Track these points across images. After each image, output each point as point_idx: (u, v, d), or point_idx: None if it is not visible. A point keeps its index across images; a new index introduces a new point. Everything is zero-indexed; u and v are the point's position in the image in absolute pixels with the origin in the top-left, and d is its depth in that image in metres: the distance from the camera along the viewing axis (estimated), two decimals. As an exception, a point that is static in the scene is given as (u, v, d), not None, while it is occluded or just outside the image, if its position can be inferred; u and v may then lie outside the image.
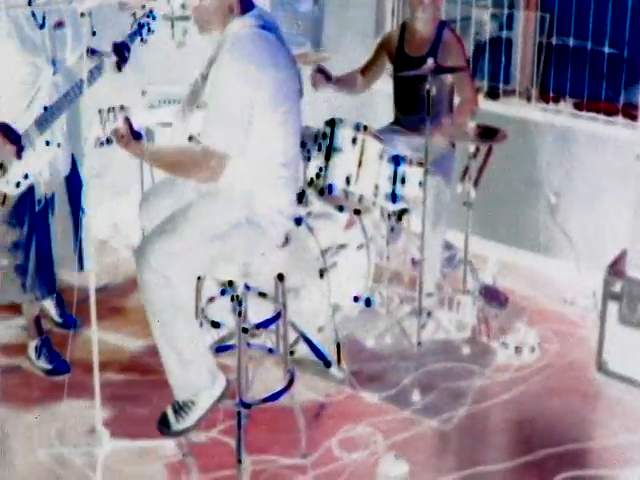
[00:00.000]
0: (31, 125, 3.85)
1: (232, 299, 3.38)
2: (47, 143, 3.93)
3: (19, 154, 3.80)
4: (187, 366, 3.33)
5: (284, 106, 3.25)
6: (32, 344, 4.23)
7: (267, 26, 3.26)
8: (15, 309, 4.39)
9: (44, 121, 3.88)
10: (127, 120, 3.24)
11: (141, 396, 3.96)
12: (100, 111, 5.20)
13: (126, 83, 4.77)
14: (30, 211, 3.99)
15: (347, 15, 5.81)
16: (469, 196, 4.38)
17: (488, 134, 4.28)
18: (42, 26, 3.92)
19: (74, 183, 4.29)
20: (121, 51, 4.03)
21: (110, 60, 4.02)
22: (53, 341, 4.26)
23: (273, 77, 3.19)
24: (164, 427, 3.41)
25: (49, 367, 4.17)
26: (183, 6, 5.69)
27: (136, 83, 5.28)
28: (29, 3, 3.89)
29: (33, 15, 3.88)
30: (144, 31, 4.16)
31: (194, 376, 3.35)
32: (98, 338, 3.40)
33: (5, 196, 3.90)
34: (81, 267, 4.09)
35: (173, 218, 3.32)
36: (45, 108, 3.88)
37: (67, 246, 4.26)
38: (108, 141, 3.29)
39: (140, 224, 3.70)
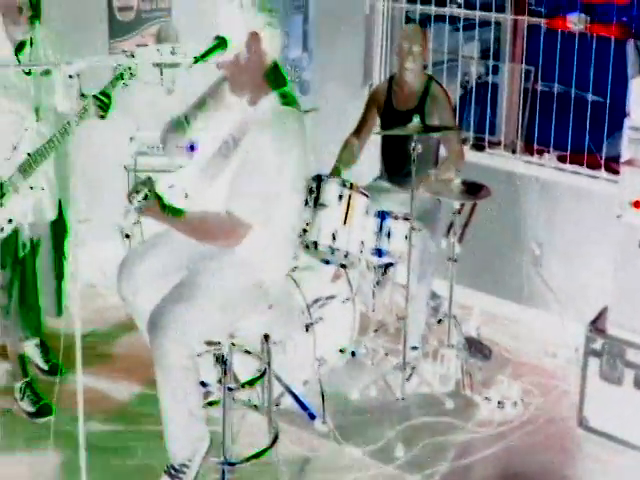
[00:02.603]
0: (15, 171, 3.94)
1: (217, 359, 3.44)
2: (31, 188, 4.00)
3: None
4: (190, 427, 3.40)
5: (304, 179, 3.43)
6: (17, 386, 4.25)
7: (293, 100, 3.37)
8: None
9: (28, 167, 3.97)
10: (150, 188, 3.19)
11: (126, 447, 3.97)
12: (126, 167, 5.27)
13: (115, 129, 4.84)
14: (14, 254, 4.07)
15: (335, 63, 5.89)
16: (454, 252, 4.44)
17: (473, 191, 4.35)
18: (29, 73, 4.02)
19: (60, 228, 4.36)
20: (101, 100, 4.13)
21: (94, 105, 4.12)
22: (39, 388, 4.28)
23: (301, 154, 3.34)
24: None
25: (32, 410, 4.19)
26: (172, 52, 5.75)
27: (124, 130, 5.36)
28: (18, 62, 3.99)
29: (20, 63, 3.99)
30: (125, 75, 4.29)
31: (194, 437, 3.42)
32: (84, 386, 3.41)
33: None
34: (60, 312, 4.14)
35: (184, 285, 3.37)
36: (28, 154, 3.95)
37: (52, 292, 4.32)
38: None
39: (120, 293, 3.64)
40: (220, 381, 3.49)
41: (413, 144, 4.18)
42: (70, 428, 3.48)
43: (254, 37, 3.29)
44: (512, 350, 4.84)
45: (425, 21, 5.84)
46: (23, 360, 4.31)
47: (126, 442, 4.01)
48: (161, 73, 5.64)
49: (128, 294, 3.57)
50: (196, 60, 3.28)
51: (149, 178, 3.22)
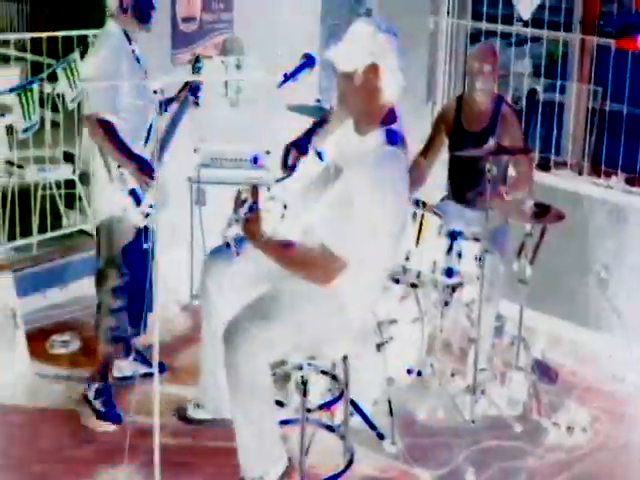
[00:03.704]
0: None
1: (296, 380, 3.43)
2: None
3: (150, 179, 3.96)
4: (262, 442, 3.38)
5: (402, 221, 3.37)
6: (94, 387, 4.26)
7: (399, 139, 3.28)
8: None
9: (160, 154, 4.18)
10: (255, 200, 3.17)
11: (193, 464, 3.95)
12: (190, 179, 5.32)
13: (179, 140, 4.85)
14: (139, 251, 4.12)
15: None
16: (525, 274, 4.40)
17: (545, 213, 4.31)
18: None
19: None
20: (196, 92, 4.40)
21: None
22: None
23: (403, 194, 3.31)
24: None
25: (103, 410, 4.20)
26: (237, 65, 5.78)
27: (188, 141, 5.37)
28: None
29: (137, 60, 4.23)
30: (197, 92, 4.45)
31: (267, 453, 3.40)
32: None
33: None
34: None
35: (266, 302, 3.35)
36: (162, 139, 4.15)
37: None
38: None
39: (200, 284, 3.72)
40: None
41: (488, 166, 4.16)
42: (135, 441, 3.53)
43: (373, 69, 3.22)
44: (578, 374, 4.80)
45: (477, 36, 5.83)
46: (109, 365, 4.34)
47: (192, 458, 4.00)
48: (226, 85, 5.71)
49: (212, 292, 3.59)
50: (285, 79, 3.26)
51: (255, 187, 3.20)
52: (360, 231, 3.17)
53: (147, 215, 4.05)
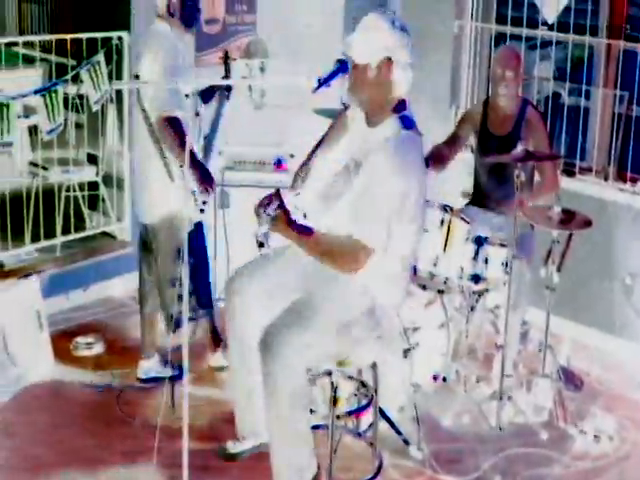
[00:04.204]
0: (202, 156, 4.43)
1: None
2: None
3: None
4: (297, 449, 3.39)
5: (423, 205, 3.40)
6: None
7: (412, 124, 3.36)
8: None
9: (208, 150, 4.53)
10: (280, 201, 3.26)
11: (219, 468, 3.95)
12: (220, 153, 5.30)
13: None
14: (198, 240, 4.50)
15: (422, 83, 5.82)
16: (552, 280, 4.38)
17: (571, 220, 4.29)
18: None
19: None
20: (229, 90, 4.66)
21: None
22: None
23: (421, 179, 3.35)
24: None
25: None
26: (261, 68, 5.77)
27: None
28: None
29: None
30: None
31: (300, 459, 3.41)
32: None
33: None
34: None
35: (300, 308, 3.36)
36: (205, 137, 4.51)
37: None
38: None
39: (226, 302, 3.69)
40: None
41: (517, 172, 4.14)
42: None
43: (387, 63, 3.30)
44: (603, 381, 4.77)
45: (501, 38, 5.81)
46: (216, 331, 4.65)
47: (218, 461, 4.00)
48: (250, 87, 5.69)
49: (237, 313, 3.58)
50: (319, 85, 3.26)
51: (278, 190, 3.27)
52: (385, 217, 3.24)
53: (202, 211, 4.25)
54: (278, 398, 3.33)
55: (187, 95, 3.36)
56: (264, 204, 3.29)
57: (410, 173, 3.28)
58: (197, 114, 4.37)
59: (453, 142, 4.86)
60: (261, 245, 3.26)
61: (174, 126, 4.10)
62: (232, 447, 3.91)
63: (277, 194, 3.29)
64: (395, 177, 3.23)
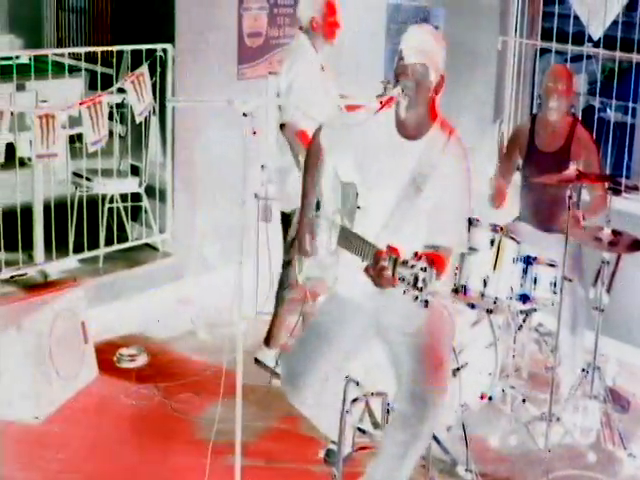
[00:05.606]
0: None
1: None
2: None
3: None
4: None
5: None
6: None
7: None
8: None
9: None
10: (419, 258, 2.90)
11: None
12: (256, 195, 5.38)
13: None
14: None
15: (466, 98, 5.83)
16: (601, 301, 4.34)
17: (619, 241, 4.24)
18: None
19: None
20: None
21: None
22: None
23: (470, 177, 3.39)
24: None
25: None
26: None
27: (255, 157, 5.36)
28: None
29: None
30: None
31: None
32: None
33: None
34: None
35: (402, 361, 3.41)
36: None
37: None
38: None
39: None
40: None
41: (569, 192, 4.10)
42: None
43: (442, 78, 3.38)
44: (650, 402, 4.74)
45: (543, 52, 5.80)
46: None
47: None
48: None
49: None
50: (382, 105, 3.26)
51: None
52: (466, 215, 3.41)
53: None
54: (420, 446, 3.39)
55: (245, 114, 3.37)
56: (405, 264, 2.88)
57: (470, 170, 3.36)
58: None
59: (508, 171, 4.84)
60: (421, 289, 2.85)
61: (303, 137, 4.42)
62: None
63: (394, 249, 2.95)
64: (465, 178, 3.31)
